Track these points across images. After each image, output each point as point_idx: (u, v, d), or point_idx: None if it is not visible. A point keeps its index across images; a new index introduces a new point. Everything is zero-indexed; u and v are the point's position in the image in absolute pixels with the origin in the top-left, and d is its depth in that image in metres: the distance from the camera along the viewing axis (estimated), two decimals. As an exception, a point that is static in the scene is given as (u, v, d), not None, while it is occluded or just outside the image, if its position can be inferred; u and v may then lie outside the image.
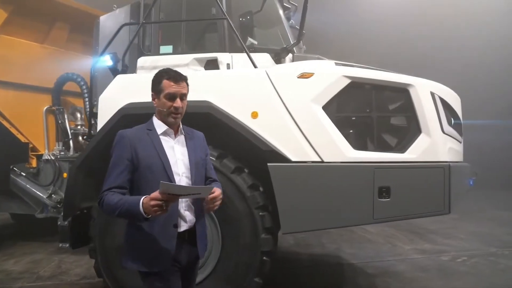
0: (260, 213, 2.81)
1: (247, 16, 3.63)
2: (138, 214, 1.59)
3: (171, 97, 1.81)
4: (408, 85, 2.97)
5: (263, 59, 3.36)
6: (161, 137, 1.84)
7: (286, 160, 2.82)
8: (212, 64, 3.41)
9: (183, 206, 1.80)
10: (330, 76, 2.93)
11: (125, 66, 3.27)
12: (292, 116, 2.87)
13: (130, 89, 3.11)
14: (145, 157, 1.76)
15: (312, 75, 2.94)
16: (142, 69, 3.45)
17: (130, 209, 1.62)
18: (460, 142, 3.36)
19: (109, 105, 3.06)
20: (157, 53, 3.61)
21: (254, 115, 2.89)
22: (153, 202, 1.54)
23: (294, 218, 2.81)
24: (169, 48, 3.66)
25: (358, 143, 2.95)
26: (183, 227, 1.79)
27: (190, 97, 2.92)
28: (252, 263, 2.78)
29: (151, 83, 1.89)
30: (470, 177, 3.43)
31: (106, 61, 3.11)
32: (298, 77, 2.94)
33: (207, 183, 1.95)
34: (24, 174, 4.56)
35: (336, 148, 2.83)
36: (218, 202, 1.77)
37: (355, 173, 2.81)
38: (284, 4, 4.62)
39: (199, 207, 1.85)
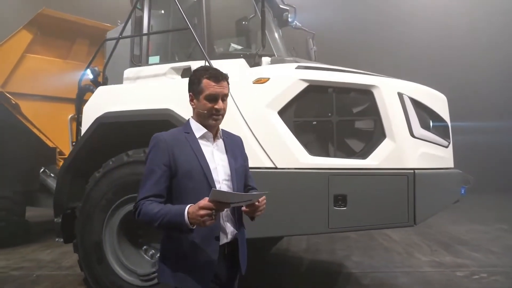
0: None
1: (242, 21, 3.71)
2: (182, 225, 1.46)
3: (213, 98, 1.66)
4: (372, 86, 2.80)
5: (238, 64, 3.39)
6: (199, 141, 1.70)
7: (239, 166, 2.83)
8: (188, 72, 3.54)
9: (223, 217, 1.67)
10: (286, 80, 2.88)
11: (106, 78, 3.55)
12: (246, 121, 2.87)
13: (108, 100, 3.38)
14: (184, 163, 1.62)
15: (268, 80, 2.91)
16: (127, 79, 3.70)
17: (172, 220, 1.49)
18: (446, 147, 3.04)
19: (90, 114, 3.35)
20: (146, 63, 3.85)
21: (210, 121, 2.95)
22: (202, 212, 1.42)
23: (246, 224, 2.80)
24: (156, 59, 3.88)
25: (318, 149, 2.85)
26: (223, 239, 1.66)
27: (153, 105, 3.15)
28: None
29: (188, 82, 1.73)
30: (462, 185, 3.08)
31: (88, 74, 3.43)
32: (253, 83, 2.94)
33: (245, 191, 1.84)
34: (53, 176, 5.17)
35: (290, 154, 2.77)
36: (262, 208, 1.63)
37: (308, 180, 2.73)
38: (280, 6, 4.59)
39: (239, 216, 1.74)
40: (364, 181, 2.68)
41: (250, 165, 2.77)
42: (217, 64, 3.37)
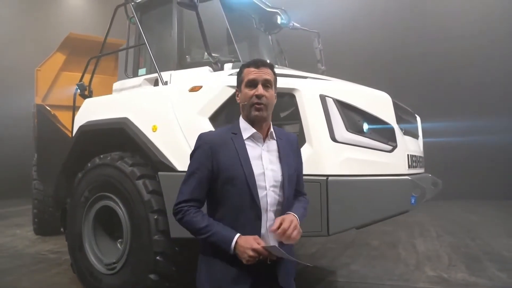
0: (155, 217, 3.09)
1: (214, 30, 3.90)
2: (226, 249, 1.49)
3: (252, 83, 1.59)
4: (293, 89, 2.74)
5: (202, 72, 3.59)
6: (246, 142, 1.61)
7: (174, 169, 3.03)
8: (157, 82, 3.84)
9: (265, 227, 1.59)
10: (215, 87, 2.97)
11: (91, 91, 4.07)
12: (181, 128, 3.05)
13: (91, 110, 3.88)
14: (227, 168, 1.55)
15: (201, 88, 3.05)
16: (115, 91, 4.20)
17: (218, 243, 1.51)
18: (389, 151, 2.77)
19: (78, 123, 3.90)
20: (137, 75, 4.28)
21: (154, 128, 3.20)
22: (252, 253, 1.45)
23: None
24: (143, 71, 4.29)
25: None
26: None
27: (116, 114, 3.52)
28: (148, 261, 3.09)
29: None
30: (411, 194, 2.76)
31: (77, 89, 3.99)
32: (189, 91, 3.10)
33: (294, 197, 1.75)
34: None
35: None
36: (294, 233, 1.54)
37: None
38: (268, 10, 4.61)
39: None
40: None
41: (182, 168, 3.00)
42: (183, 73, 3.65)
